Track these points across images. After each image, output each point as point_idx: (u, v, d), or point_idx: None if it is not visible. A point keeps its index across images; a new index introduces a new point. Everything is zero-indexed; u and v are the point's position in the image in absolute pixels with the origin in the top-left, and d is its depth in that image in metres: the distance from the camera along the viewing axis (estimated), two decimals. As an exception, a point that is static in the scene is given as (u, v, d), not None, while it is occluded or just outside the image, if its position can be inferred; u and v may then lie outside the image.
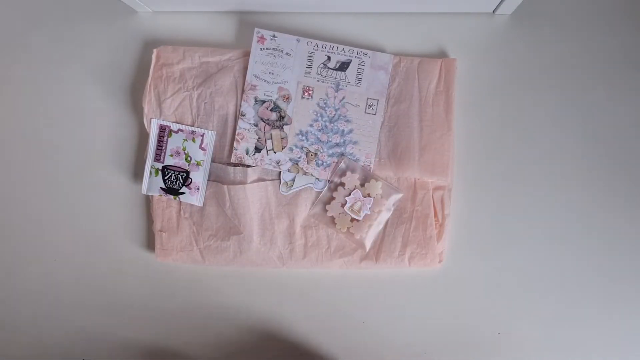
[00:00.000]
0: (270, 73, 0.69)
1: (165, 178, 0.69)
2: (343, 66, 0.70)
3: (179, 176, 0.69)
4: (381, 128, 0.69)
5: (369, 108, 0.69)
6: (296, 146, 0.69)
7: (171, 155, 0.70)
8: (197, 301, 0.71)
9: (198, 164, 0.69)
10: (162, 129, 0.70)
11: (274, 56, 0.70)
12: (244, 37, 0.72)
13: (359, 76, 0.69)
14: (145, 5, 0.72)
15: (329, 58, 0.70)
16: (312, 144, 0.69)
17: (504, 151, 0.71)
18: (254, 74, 0.70)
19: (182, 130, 0.70)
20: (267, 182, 0.69)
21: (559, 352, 0.69)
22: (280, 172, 0.69)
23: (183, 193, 0.69)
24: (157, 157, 0.70)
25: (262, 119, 0.69)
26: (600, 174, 0.70)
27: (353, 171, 0.69)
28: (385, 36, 0.72)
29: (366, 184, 0.68)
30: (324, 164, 0.69)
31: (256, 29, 0.70)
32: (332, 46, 0.70)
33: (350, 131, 0.69)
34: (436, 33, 0.72)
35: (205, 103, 0.70)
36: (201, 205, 0.70)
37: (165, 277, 0.72)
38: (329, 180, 0.69)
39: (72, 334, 0.72)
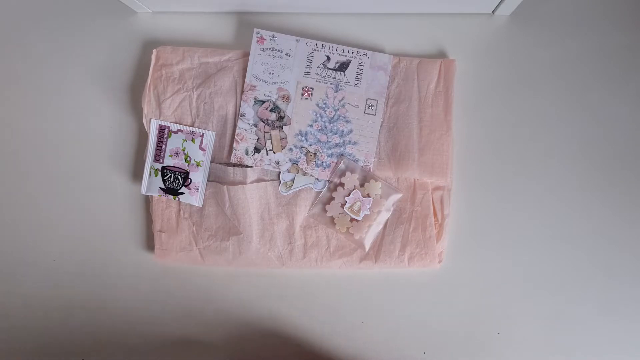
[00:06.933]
0: (269, 73, 0.69)
1: (165, 178, 0.69)
2: (342, 66, 0.70)
3: (179, 176, 0.69)
4: (380, 128, 0.69)
5: (368, 108, 0.69)
6: (295, 146, 0.69)
7: (171, 156, 0.70)
8: (197, 302, 0.71)
9: (197, 165, 0.69)
10: (161, 129, 0.70)
11: (274, 56, 0.70)
12: (244, 37, 0.72)
13: (359, 76, 0.69)
14: (145, 5, 0.72)
15: (328, 58, 0.70)
16: (311, 145, 0.69)
17: (503, 151, 0.71)
18: (254, 75, 0.70)
19: (181, 131, 0.70)
20: (267, 182, 0.69)
21: (559, 352, 0.69)
22: (280, 172, 0.69)
23: (182, 193, 0.69)
24: (157, 157, 0.70)
25: (261, 120, 0.69)
26: (600, 174, 0.70)
27: (352, 171, 0.69)
28: (385, 36, 0.72)
29: (365, 184, 0.68)
30: (324, 164, 0.69)
31: (255, 30, 0.70)
32: (331, 46, 0.70)
33: (350, 131, 0.69)
34: (435, 33, 0.72)
35: (204, 103, 0.70)
36: (201, 205, 0.70)
37: (164, 278, 0.72)
38: (328, 181, 0.69)
39: (72, 334, 0.72)
